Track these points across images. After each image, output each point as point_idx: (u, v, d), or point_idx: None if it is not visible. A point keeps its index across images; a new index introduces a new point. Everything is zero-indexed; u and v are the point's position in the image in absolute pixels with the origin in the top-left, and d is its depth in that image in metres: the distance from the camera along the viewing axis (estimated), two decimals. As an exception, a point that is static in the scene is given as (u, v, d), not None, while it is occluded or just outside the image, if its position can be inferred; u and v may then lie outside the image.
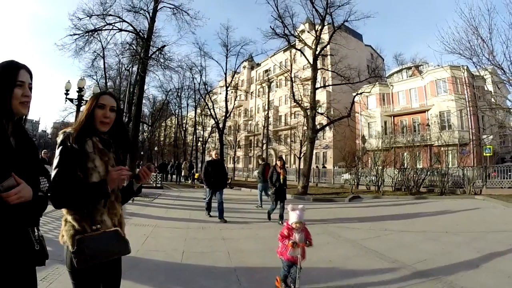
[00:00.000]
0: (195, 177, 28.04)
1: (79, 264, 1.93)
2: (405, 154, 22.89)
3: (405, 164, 21.25)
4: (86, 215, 2.01)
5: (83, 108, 2.29)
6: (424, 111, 37.40)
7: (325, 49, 23.56)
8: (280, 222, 9.36)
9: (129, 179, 2.33)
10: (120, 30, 20.04)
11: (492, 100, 20.39)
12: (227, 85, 38.12)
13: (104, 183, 2.00)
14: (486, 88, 24.86)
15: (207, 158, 34.54)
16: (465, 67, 29.43)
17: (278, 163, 10.26)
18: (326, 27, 22.95)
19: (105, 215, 2.09)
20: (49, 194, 1.90)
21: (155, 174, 25.27)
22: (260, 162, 16.54)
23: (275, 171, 9.99)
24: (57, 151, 2.02)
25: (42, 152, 13.00)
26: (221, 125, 36.82)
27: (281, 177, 9.88)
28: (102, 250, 1.99)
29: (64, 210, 2.05)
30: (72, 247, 1.95)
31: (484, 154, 21.97)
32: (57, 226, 7.02)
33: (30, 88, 1.76)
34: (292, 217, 4.18)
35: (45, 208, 1.75)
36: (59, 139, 2.05)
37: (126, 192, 2.33)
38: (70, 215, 2.02)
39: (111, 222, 2.11)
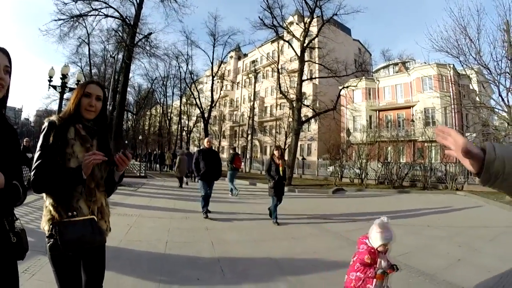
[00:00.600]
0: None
1: (51, 250, 1.95)
2: (389, 148, 23.15)
3: (389, 158, 21.49)
4: (62, 201, 2.02)
5: (67, 95, 2.25)
6: (409, 107, 37.72)
7: (313, 41, 23.51)
8: (275, 221, 8.35)
9: (107, 165, 2.29)
10: (106, 16, 19.71)
11: (477, 99, 20.63)
12: (214, 74, 38.06)
13: (79, 169, 1.98)
14: (471, 87, 25.16)
15: (184, 147, 34.44)
16: (451, 66, 29.73)
17: (276, 152, 8.88)
18: (315, 19, 22.89)
19: (81, 202, 2.08)
20: (30, 179, 1.91)
21: (139, 163, 25.12)
22: (231, 151, 18.58)
23: (273, 162, 8.74)
24: (40, 138, 2.05)
25: (24, 140, 12.79)
26: (206, 115, 36.76)
27: (281, 168, 8.66)
28: (75, 237, 1.96)
29: (44, 196, 2.07)
30: (47, 232, 1.98)
31: (467, 151, 22.24)
32: (39, 216, 6.87)
33: (8, 72, 1.68)
34: (380, 237, 3.06)
35: (18, 197, 1.67)
36: (43, 126, 2.09)
37: (108, 181, 2.30)
38: (48, 200, 2.05)
39: (88, 210, 2.10)
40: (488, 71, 15.23)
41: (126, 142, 52.06)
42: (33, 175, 1.93)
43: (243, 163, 39.22)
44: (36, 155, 2.00)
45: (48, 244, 1.95)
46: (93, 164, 2.02)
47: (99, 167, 2.19)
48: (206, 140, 10.25)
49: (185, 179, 18.19)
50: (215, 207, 9.96)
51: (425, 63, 32.13)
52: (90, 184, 2.14)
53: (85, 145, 2.14)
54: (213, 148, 10.49)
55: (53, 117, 2.14)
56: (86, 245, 2.03)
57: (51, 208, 2.03)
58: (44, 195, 2.07)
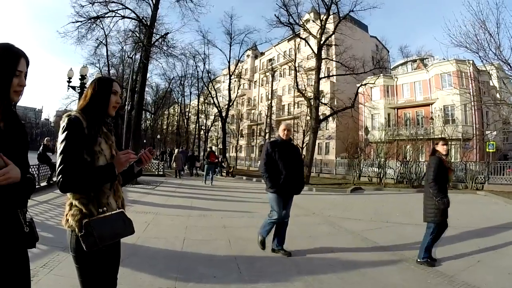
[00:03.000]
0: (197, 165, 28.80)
1: (89, 247, 1.95)
2: (408, 147, 22.86)
3: (408, 157, 21.21)
4: (93, 198, 2.04)
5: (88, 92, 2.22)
6: (428, 105, 37.16)
7: (330, 39, 23.40)
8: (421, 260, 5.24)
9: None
10: (123, 17, 19.88)
11: (497, 95, 20.22)
12: (231, 73, 38.15)
13: (112, 166, 2.05)
14: (491, 83, 24.70)
15: (180, 147, 34.84)
16: (471, 62, 29.19)
17: (441, 148, 5.47)
18: (331, 16, 22.77)
19: (111, 198, 2.15)
20: (59, 180, 1.91)
21: (157, 161, 25.49)
22: (208, 149, 24.68)
23: (442, 167, 5.40)
24: (63, 135, 1.97)
25: (45, 139, 13.08)
26: (224, 114, 36.87)
27: (450, 177, 5.76)
28: (110, 232, 2.04)
29: (69, 194, 2.05)
30: (80, 231, 1.96)
31: (487, 150, 21.89)
32: (59, 214, 7.03)
33: (25, 76, 1.74)
34: None
35: (33, 190, 1.76)
36: (63, 122, 2.02)
37: (127, 175, 2.37)
38: (76, 199, 2.03)
39: (115, 205, 2.18)
40: (509, 67, 14.90)
41: (145, 141, 52.64)
42: (62, 176, 1.90)
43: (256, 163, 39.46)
44: (61, 155, 1.94)
45: (85, 244, 1.94)
46: (128, 162, 2.15)
47: None
48: (282, 127, 5.95)
49: (183, 172, 23.55)
50: (231, 206, 9.99)
51: (444, 59, 31.62)
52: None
53: (108, 142, 2.18)
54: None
55: (73, 113, 2.08)
56: (120, 237, 2.18)
57: (82, 207, 2.01)
58: (69, 194, 2.05)
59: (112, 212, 2.10)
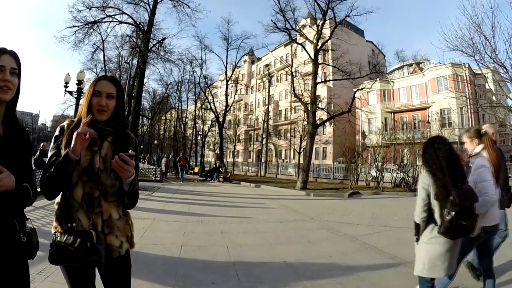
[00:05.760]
0: (195, 170, 29.99)
1: (50, 261, 1.82)
2: (405, 150, 22.89)
3: (405, 161, 21.23)
4: (63, 210, 1.92)
5: (82, 100, 2.11)
6: (424, 108, 37.26)
7: (326, 44, 23.40)
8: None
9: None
10: (120, 22, 19.92)
11: (493, 98, 20.28)
12: (228, 79, 38.19)
13: (66, 153, 1.78)
14: (487, 87, 24.79)
15: (168, 153, 34.83)
16: (467, 65, 29.31)
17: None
18: (327, 21, 22.81)
19: (80, 213, 1.89)
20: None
21: (154, 167, 25.47)
22: (180, 154, 29.05)
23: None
24: (50, 145, 1.97)
25: (41, 144, 13.00)
26: (221, 119, 36.94)
27: None
28: (67, 252, 1.78)
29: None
30: (52, 240, 1.86)
31: (484, 152, 21.87)
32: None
33: (17, 74, 1.69)
34: None
35: (28, 199, 1.69)
36: (56, 132, 2.00)
37: (119, 191, 2.02)
38: (55, 209, 1.97)
39: (88, 222, 1.89)
40: (505, 70, 14.94)
41: (142, 146, 52.53)
42: (40, 182, 1.85)
43: (256, 168, 39.57)
44: (46, 163, 1.89)
45: (49, 255, 1.82)
46: (81, 141, 1.77)
47: (108, 173, 1.95)
48: (492, 129, 4.37)
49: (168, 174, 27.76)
50: (229, 212, 9.95)
51: (439, 63, 31.81)
52: (94, 192, 1.93)
53: (91, 148, 1.94)
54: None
55: (65, 122, 2.03)
56: (79, 263, 1.81)
57: (54, 217, 1.95)
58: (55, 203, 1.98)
59: (78, 230, 1.84)
